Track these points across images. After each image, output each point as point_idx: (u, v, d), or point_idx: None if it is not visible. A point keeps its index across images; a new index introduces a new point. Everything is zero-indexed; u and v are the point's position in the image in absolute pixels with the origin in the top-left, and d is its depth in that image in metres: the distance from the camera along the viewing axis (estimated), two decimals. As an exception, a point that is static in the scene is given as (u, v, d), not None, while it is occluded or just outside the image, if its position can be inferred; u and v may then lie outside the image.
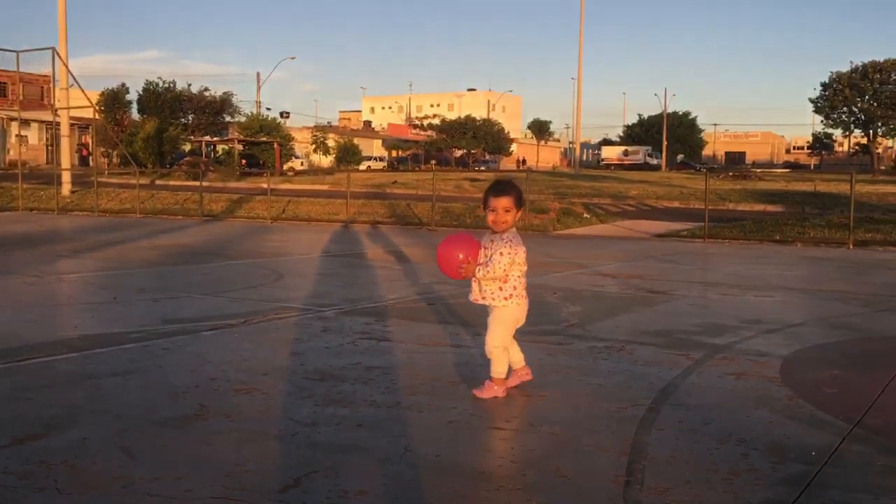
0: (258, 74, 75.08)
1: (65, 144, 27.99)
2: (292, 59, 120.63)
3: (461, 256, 3.94)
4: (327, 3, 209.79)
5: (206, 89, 57.73)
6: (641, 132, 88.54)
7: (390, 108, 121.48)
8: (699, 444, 3.32)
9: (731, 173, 45.58)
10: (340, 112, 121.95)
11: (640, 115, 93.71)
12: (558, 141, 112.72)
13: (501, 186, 3.94)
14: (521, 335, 5.61)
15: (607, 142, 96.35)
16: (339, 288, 8.13)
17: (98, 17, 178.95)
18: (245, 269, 9.94)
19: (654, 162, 76.49)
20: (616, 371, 4.61)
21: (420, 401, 3.92)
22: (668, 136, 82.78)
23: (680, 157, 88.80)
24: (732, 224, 17.50)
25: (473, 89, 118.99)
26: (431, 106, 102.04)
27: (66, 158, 27.67)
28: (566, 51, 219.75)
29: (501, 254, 3.86)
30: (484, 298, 4.01)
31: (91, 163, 43.48)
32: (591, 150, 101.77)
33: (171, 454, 3.14)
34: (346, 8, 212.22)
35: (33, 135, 49.41)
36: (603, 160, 79.78)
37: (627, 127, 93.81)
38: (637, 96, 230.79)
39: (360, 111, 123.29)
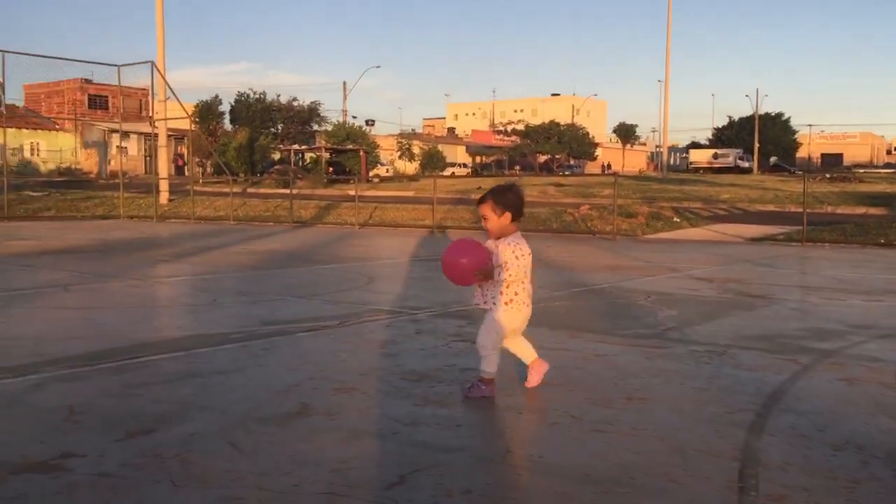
0: (344, 83, 76.21)
1: (162, 155, 29.13)
2: (377, 67, 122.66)
3: (465, 261, 3.85)
4: (411, 12, 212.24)
5: (295, 99, 59.28)
6: (732, 134, 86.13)
7: (474, 114, 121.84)
8: (814, 451, 3.17)
9: (828, 175, 43.82)
10: (424, 119, 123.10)
11: (729, 116, 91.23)
12: (644, 145, 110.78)
13: (482, 195, 3.98)
14: (615, 338, 5.53)
15: (696, 145, 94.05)
16: (429, 291, 8.16)
17: (191, 33, 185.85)
18: (336, 273, 10.10)
19: (746, 165, 74.25)
20: (719, 375, 4.46)
21: (518, 402, 3.88)
22: (760, 138, 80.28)
23: (773, 159, 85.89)
24: (832, 227, 16.81)
25: (557, 94, 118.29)
26: (515, 111, 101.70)
27: (163, 168, 28.78)
28: (652, 52, 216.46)
29: (516, 256, 3.84)
30: (486, 302, 4.00)
31: (186, 172, 45.14)
32: (678, 154, 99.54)
33: (277, 450, 3.20)
34: (429, 16, 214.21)
35: (132, 146, 51.62)
36: (691, 164, 77.89)
37: (717, 129, 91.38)
38: (727, 98, 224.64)
39: (443, 118, 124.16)
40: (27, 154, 47.95)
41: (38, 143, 49.22)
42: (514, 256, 3.84)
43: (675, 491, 2.75)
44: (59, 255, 11.67)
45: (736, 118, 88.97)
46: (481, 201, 3.95)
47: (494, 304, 3.95)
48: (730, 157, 75.30)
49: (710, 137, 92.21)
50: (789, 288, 8.77)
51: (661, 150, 65.65)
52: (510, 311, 3.93)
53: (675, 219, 20.03)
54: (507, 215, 3.88)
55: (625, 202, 21.98)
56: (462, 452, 3.15)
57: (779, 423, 3.56)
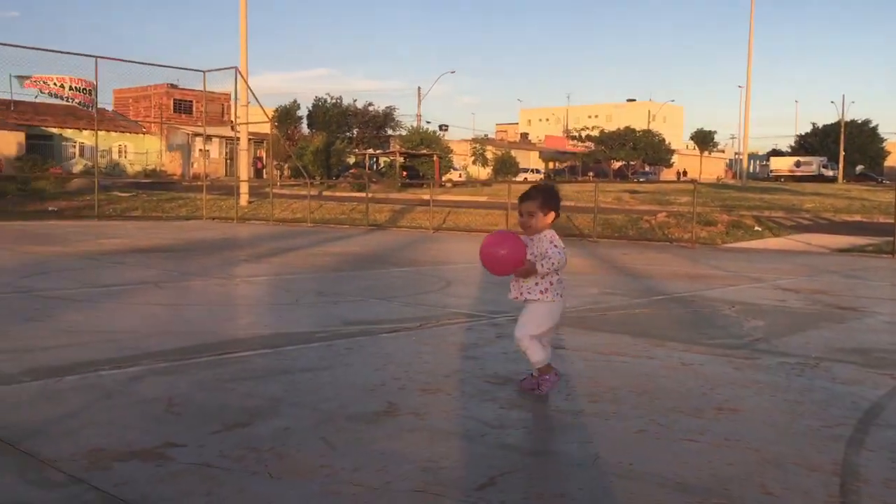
0: (419, 89, 77.18)
1: (243, 158, 29.90)
2: (452, 73, 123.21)
3: (504, 252, 3.93)
4: (486, 18, 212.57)
5: (370, 104, 60.11)
6: (815, 142, 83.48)
7: (547, 119, 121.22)
8: (918, 470, 3.06)
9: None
10: (497, 125, 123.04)
11: (813, 123, 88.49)
12: (723, 152, 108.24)
13: (527, 192, 4.06)
14: (701, 347, 5.44)
15: (777, 152, 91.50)
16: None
17: (272, 40, 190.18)
18: (412, 275, 10.19)
19: (830, 173, 71.87)
20: (813, 388, 4.34)
21: (604, 409, 3.86)
22: (846, 145, 77.56)
23: (859, 168, 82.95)
24: (925, 239, 16.09)
25: (633, 100, 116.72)
26: (589, 117, 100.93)
27: (243, 171, 29.53)
28: (733, 57, 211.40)
29: (556, 246, 3.94)
30: (521, 294, 4.04)
31: (265, 175, 46.21)
32: (758, 162, 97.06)
33: (367, 447, 3.25)
34: (504, 22, 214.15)
35: (214, 149, 53.14)
36: (772, 172, 75.81)
37: (800, 136, 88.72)
38: (811, 104, 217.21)
39: (516, 123, 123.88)
40: (115, 156, 49.86)
41: (125, 146, 51.13)
42: (554, 245, 3.94)
43: (773, 504, 2.70)
44: (148, 254, 12.10)
45: (820, 125, 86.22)
46: (528, 198, 4.01)
47: (531, 295, 4.01)
48: (813, 165, 73.00)
49: (793, 145, 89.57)
50: (881, 301, 8.46)
51: (741, 157, 64.09)
52: (546, 300, 4.00)
53: (757, 227, 19.53)
54: (552, 215, 4.00)
55: (703, 210, 21.55)
56: (551, 456, 3.15)
57: (878, 438, 3.45)
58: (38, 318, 6.15)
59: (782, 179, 66.30)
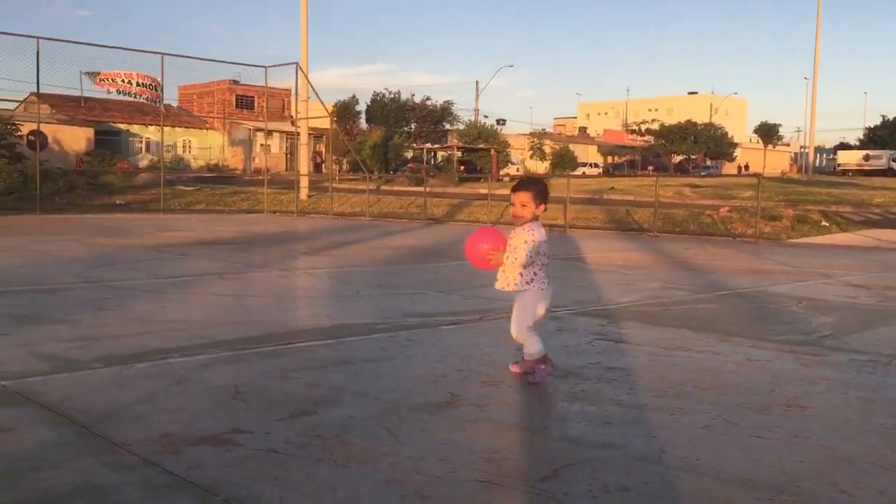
0: (477, 83, 77.33)
1: (303, 153, 30.29)
2: (510, 66, 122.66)
3: (486, 247, 4.16)
4: (544, 11, 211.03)
5: (428, 99, 60.18)
6: (885, 135, 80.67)
7: (606, 113, 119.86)
8: None
9: None
10: (555, 119, 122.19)
11: (883, 116, 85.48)
12: (788, 146, 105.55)
13: (520, 183, 4.27)
14: (768, 343, 5.32)
15: (844, 146, 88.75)
16: (567, 290, 8.10)
17: (331, 36, 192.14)
18: (471, 269, 10.14)
19: (901, 167, 69.42)
20: (885, 386, 4.20)
21: (668, 403, 3.80)
22: (918, 138, 74.75)
23: (932, 161, 79.90)
24: None
25: (695, 92, 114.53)
26: (649, 111, 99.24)
27: (303, 165, 29.92)
28: (799, 48, 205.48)
29: (526, 242, 4.09)
30: (508, 285, 4.20)
31: (324, 169, 46.75)
32: (825, 156, 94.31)
33: (430, 437, 3.27)
34: (562, 14, 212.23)
35: (275, 144, 53.96)
36: (839, 165, 73.58)
37: (869, 129, 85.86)
38: (881, 96, 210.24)
39: (574, 117, 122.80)
40: (179, 151, 51.04)
41: (189, 141, 52.32)
42: (524, 241, 4.09)
43: (845, 502, 2.62)
44: (211, 246, 12.36)
45: (890, 117, 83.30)
46: (522, 189, 4.18)
47: (517, 286, 4.16)
48: (883, 158, 70.57)
49: (861, 138, 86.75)
50: (957, 298, 8.14)
51: (807, 150, 62.42)
52: (534, 289, 4.17)
53: (824, 222, 18.99)
54: (542, 207, 4.18)
55: (767, 204, 21.04)
56: (615, 450, 3.12)
57: (957, 439, 3.32)
58: (108, 307, 6.34)
59: (850, 174, 64.34)
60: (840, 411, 3.72)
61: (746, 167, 75.24)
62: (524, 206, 4.13)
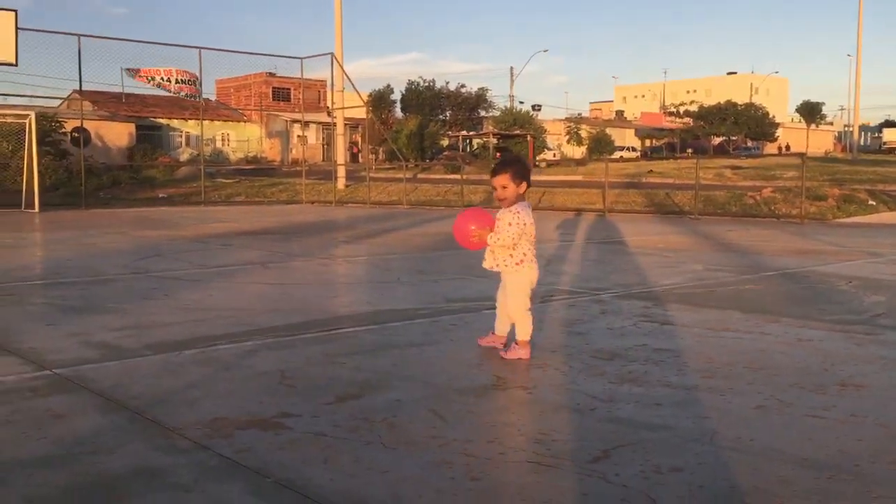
0: (511, 69, 76.58)
1: (339, 143, 30.43)
2: (545, 51, 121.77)
3: (473, 228, 4.20)
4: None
5: (463, 86, 60.12)
6: (933, 111, 78.51)
7: (643, 96, 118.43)
8: None
9: None
10: (591, 103, 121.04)
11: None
12: (831, 125, 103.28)
13: (497, 165, 4.25)
14: (819, 322, 5.21)
15: (890, 123, 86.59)
16: (609, 273, 8.03)
17: (363, 26, 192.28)
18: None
19: (950, 144, 67.54)
20: (944, 365, 4.09)
21: (719, 384, 3.74)
22: (968, 113, 72.61)
23: (982, 137, 77.60)
24: None
25: (734, 72, 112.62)
26: (687, 92, 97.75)
27: (340, 155, 30.07)
28: (842, 24, 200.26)
29: (510, 224, 4.13)
30: (497, 266, 4.29)
31: (360, 159, 46.92)
32: (870, 134, 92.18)
33: (478, 419, 3.26)
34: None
35: (311, 135, 54.28)
36: (885, 144, 71.88)
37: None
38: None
39: (611, 101, 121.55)
40: (219, 144, 51.62)
41: (228, 134, 52.85)
42: (508, 223, 4.13)
43: (909, 482, 2.55)
44: (253, 236, 12.48)
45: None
46: (499, 171, 4.19)
47: (507, 266, 4.25)
48: (931, 135, 68.78)
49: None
50: None
51: (851, 129, 61.03)
52: (524, 270, 4.26)
53: (871, 202, 18.56)
54: (524, 185, 4.18)
55: (812, 184, 20.61)
56: (666, 430, 3.07)
57: None
58: (154, 296, 6.43)
59: (896, 152, 62.82)
60: (897, 390, 3.62)
61: (787, 148, 73.68)
62: (504, 187, 4.16)
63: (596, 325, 5.20)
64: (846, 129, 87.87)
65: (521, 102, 67.57)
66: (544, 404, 3.44)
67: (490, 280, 7.41)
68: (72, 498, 2.45)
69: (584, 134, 65.59)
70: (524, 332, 4.28)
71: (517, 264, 4.24)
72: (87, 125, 30.95)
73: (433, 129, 51.76)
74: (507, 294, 4.31)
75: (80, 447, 2.90)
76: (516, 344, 4.28)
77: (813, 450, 2.84)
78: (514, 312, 4.29)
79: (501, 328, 4.45)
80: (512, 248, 4.20)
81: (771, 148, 78.64)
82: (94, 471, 2.67)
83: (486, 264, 4.38)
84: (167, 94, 26.16)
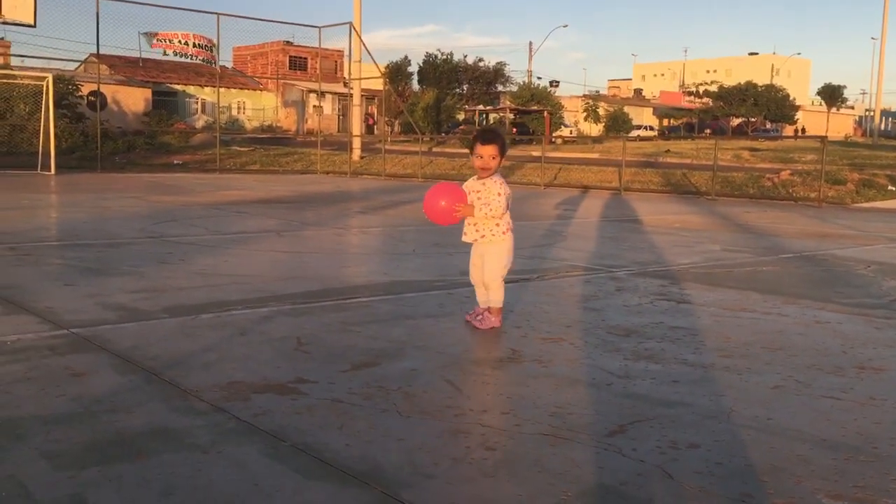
0: (530, 44, 76.28)
1: (355, 114, 30.32)
2: (565, 27, 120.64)
3: (444, 203, 4.21)
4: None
5: (481, 60, 59.55)
6: (956, 97, 77.34)
7: (662, 75, 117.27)
8: None
9: None
10: (609, 80, 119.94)
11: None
12: (852, 108, 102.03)
13: (489, 135, 4.29)
14: (837, 305, 5.18)
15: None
16: (625, 251, 7.99)
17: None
18: (527, 230, 10.10)
19: (972, 131, 66.56)
20: (964, 351, 4.05)
21: (736, 363, 3.72)
22: None
23: None
24: None
25: (755, 53, 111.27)
26: (707, 72, 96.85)
27: (356, 127, 29.98)
28: (866, 6, 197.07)
29: (500, 194, 4.21)
30: (483, 236, 4.33)
31: (376, 131, 46.78)
32: (891, 119, 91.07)
33: (493, 391, 3.26)
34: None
35: (327, 105, 54.12)
36: (906, 129, 70.94)
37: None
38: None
39: (629, 79, 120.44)
40: (234, 112, 51.55)
41: (243, 102, 52.75)
42: (497, 193, 4.20)
43: (928, 465, 2.53)
44: (268, 205, 12.49)
45: (963, 79, 79.72)
46: (492, 141, 4.23)
47: (494, 236, 4.30)
48: (953, 121, 67.83)
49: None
50: None
51: (872, 113, 60.29)
52: (509, 239, 4.34)
53: (890, 187, 18.37)
54: (501, 159, 4.27)
55: (831, 168, 20.40)
56: (682, 407, 3.06)
57: None
58: (171, 261, 6.45)
59: (918, 137, 62.06)
60: (917, 375, 3.59)
61: (803, 130, 72.74)
62: (493, 158, 4.20)
63: (612, 302, 5.18)
64: (867, 113, 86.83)
65: (539, 78, 67.21)
66: (560, 378, 3.43)
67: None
68: (91, 454, 2.46)
69: (601, 112, 65.08)
70: (500, 299, 4.33)
71: (504, 233, 4.31)
72: (104, 89, 30.96)
73: (450, 103, 51.44)
74: (490, 263, 4.32)
75: (98, 405, 2.92)
76: (489, 312, 4.32)
77: (831, 430, 2.82)
78: (494, 280, 4.31)
79: (484, 300, 4.42)
80: (500, 217, 4.26)
81: (788, 131, 77.82)
82: (113, 429, 2.69)
83: (468, 238, 4.40)
84: (184, 59, 26.11)
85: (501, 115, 52.65)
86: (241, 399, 3.02)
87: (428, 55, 59.17)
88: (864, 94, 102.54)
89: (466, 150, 31.07)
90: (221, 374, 3.35)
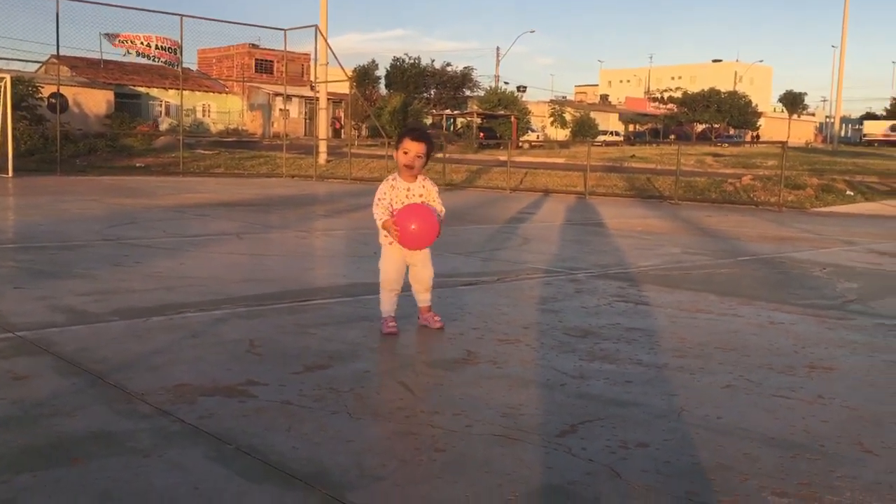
0: (497, 49, 76.53)
1: (322, 117, 30.14)
2: (531, 32, 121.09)
3: (414, 227, 4.03)
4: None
5: (448, 65, 59.62)
6: (913, 105, 79.12)
7: (628, 81, 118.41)
8: None
9: None
10: (576, 86, 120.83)
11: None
12: (813, 115, 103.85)
13: (418, 133, 4.21)
14: (791, 306, 5.24)
15: (871, 116, 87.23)
16: (586, 253, 8.02)
17: (351, 1, 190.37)
18: (490, 232, 10.12)
19: (928, 138, 68.03)
20: (913, 350, 4.11)
21: (690, 364, 3.73)
22: (947, 108, 73.27)
23: (960, 133, 78.27)
24: None
25: (719, 60, 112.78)
26: (672, 78, 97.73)
27: (322, 130, 29.80)
28: (827, 15, 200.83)
29: (438, 193, 4.28)
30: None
31: (343, 135, 46.58)
32: (850, 126, 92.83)
33: (446, 392, 3.23)
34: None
35: (294, 109, 53.78)
36: (865, 136, 72.38)
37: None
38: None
39: (596, 85, 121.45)
40: (199, 115, 51.01)
41: (209, 105, 52.21)
42: (437, 192, 4.29)
43: (872, 462, 2.56)
44: (230, 208, 12.35)
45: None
46: (422, 139, 4.15)
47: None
48: (910, 129, 69.31)
49: (888, 108, 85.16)
50: None
51: (832, 120, 61.45)
52: None
53: (849, 192, 18.70)
54: (427, 160, 4.20)
55: (791, 173, 20.71)
56: (634, 407, 3.06)
57: None
58: (125, 263, 6.34)
59: (876, 144, 63.30)
60: (866, 374, 3.64)
61: (757, 137, 73.58)
62: (419, 157, 4.13)
63: (570, 304, 5.19)
64: (828, 120, 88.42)
65: (507, 83, 67.26)
66: (514, 379, 3.42)
67: (466, 258, 7.41)
68: (27, 459, 2.39)
69: (568, 117, 65.45)
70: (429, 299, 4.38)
71: None
72: (65, 91, 30.49)
73: (417, 107, 51.36)
74: (428, 264, 4.34)
75: (38, 409, 2.84)
76: (430, 311, 4.37)
77: (779, 429, 2.84)
78: (430, 279, 4.34)
79: (424, 299, 4.41)
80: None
81: (748, 137, 78.81)
82: (52, 433, 2.62)
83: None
84: (147, 61, 25.76)
85: (469, 119, 52.74)
86: (187, 402, 2.96)
87: (395, 59, 59.11)
88: (824, 101, 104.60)
89: (434, 155, 31.17)
90: (169, 376, 3.28)
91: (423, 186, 4.22)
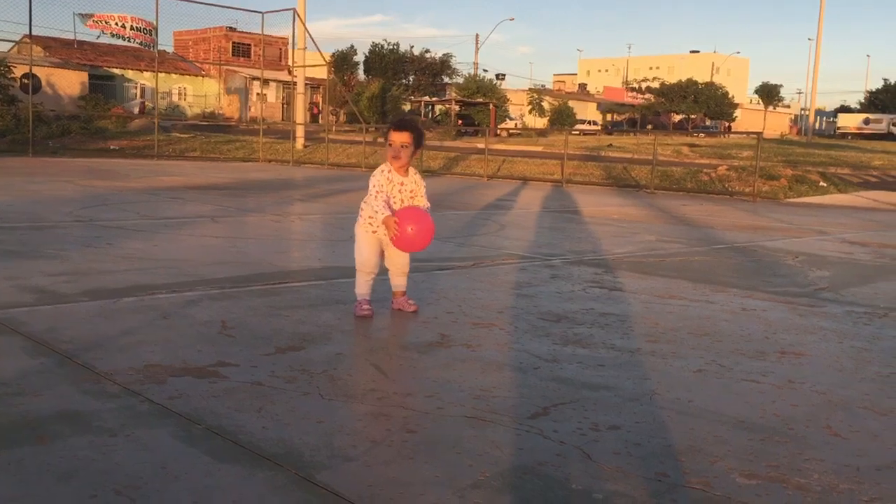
0: (476, 36, 76.64)
1: (299, 102, 29.92)
2: (511, 20, 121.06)
3: (411, 230, 3.99)
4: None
5: (427, 51, 59.50)
6: (887, 99, 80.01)
7: (607, 70, 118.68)
8: None
9: None
10: (555, 75, 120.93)
11: (885, 79, 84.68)
12: (788, 107, 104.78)
13: (405, 123, 4.16)
14: (764, 294, 5.27)
15: (845, 109, 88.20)
16: (563, 240, 8.04)
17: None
18: (466, 219, 10.10)
19: (901, 132, 68.93)
20: (882, 336, 4.16)
21: (662, 349, 3.75)
22: (920, 103, 74.19)
23: (932, 126, 79.35)
24: None
25: (697, 51, 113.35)
26: (650, 69, 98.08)
27: (300, 115, 29.58)
28: (803, 8, 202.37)
29: (424, 186, 4.27)
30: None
31: (321, 120, 46.30)
32: (825, 118, 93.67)
33: (419, 375, 3.22)
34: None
35: (271, 93, 53.36)
36: (839, 129, 73.16)
37: (870, 93, 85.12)
38: (883, 59, 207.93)
39: (574, 74, 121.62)
40: (175, 98, 50.44)
41: (185, 88, 51.65)
42: (425, 187, 4.27)
43: (840, 445, 2.58)
44: (205, 191, 12.23)
45: (892, 81, 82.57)
46: (407, 129, 4.08)
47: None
48: (883, 122, 70.13)
49: (862, 101, 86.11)
50: (954, 257, 8.09)
51: (807, 112, 62.03)
52: None
53: (822, 183, 18.88)
54: (415, 151, 4.14)
55: (766, 164, 20.88)
56: (606, 391, 3.07)
57: (953, 388, 3.28)
58: (97, 244, 6.25)
59: (849, 137, 64.02)
60: (835, 359, 3.67)
61: (728, 128, 74.01)
62: (404, 147, 4.06)
63: (545, 289, 5.19)
64: (803, 112, 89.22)
65: (486, 71, 67.16)
66: (487, 362, 3.42)
67: (443, 244, 7.39)
68: (-10, 438, 2.35)
69: (546, 106, 65.50)
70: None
71: None
72: (38, 72, 29.99)
73: (395, 93, 51.15)
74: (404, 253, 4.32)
75: (3, 388, 2.79)
76: (404, 296, 4.37)
77: (749, 413, 2.86)
78: (407, 264, 4.37)
79: (399, 283, 4.41)
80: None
81: (722, 127, 79.30)
82: (17, 412, 2.57)
83: (381, 230, 4.18)
84: (121, 41, 25.41)
85: (447, 106, 52.61)
86: (156, 382, 2.93)
87: (374, 45, 58.84)
88: (800, 93, 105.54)
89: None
90: (138, 357, 3.24)
91: (415, 182, 4.20)
